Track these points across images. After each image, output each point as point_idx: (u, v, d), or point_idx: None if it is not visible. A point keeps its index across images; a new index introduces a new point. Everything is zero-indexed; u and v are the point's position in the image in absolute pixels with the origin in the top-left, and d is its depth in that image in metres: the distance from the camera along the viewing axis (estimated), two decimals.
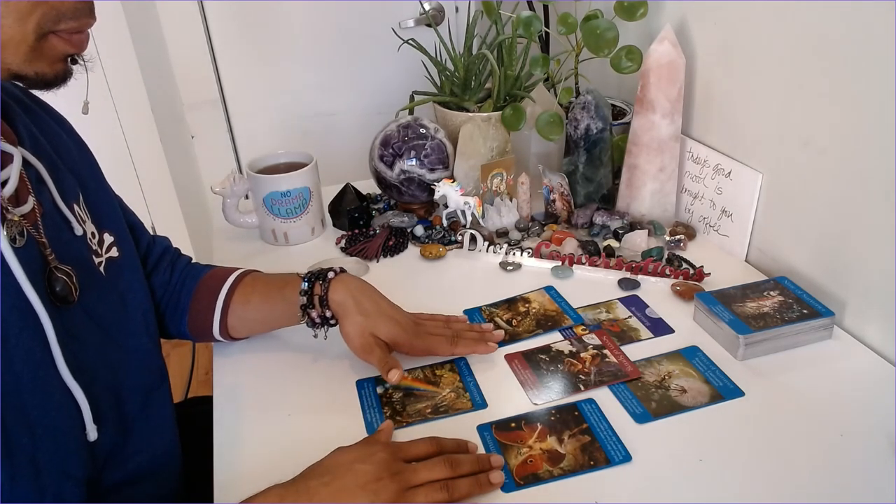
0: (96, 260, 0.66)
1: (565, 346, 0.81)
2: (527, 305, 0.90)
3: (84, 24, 0.54)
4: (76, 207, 0.65)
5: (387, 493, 0.58)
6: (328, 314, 0.76)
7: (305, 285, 0.76)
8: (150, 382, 0.70)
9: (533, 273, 0.97)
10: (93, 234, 0.67)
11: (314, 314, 0.76)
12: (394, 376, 0.72)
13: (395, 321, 0.76)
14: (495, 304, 0.90)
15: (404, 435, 0.69)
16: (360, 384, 0.77)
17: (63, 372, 0.55)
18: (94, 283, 0.64)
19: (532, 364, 0.78)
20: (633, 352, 0.80)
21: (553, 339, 0.83)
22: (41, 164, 0.61)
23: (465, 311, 0.89)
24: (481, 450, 0.67)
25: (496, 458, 0.65)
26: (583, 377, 0.76)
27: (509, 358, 0.80)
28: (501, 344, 0.82)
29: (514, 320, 0.87)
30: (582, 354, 0.79)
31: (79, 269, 0.61)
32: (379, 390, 0.76)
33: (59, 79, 0.55)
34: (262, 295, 0.81)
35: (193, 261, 0.87)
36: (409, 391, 0.76)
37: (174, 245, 0.87)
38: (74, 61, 0.56)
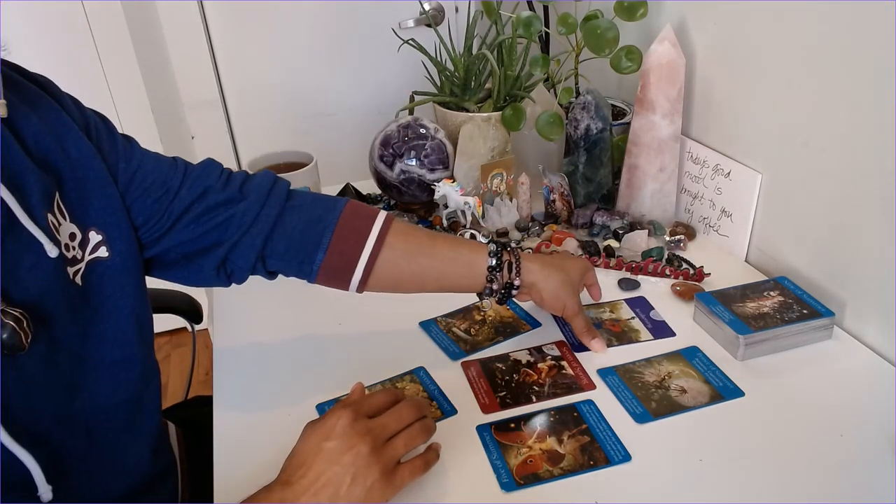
0: (72, 270, 0.58)
1: (523, 356, 0.80)
2: (482, 313, 0.89)
3: None
4: (49, 216, 0.56)
5: (363, 457, 0.55)
6: (516, 283, 0.76)
7: (493, 261, 0.75)
8: (138, 388, 0.65)
9: None
10: (72, 235, 0.58)
11: (495, 286, 0.76)
12: (598, 346, 0.79)
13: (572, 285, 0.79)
14: (450, 315, 0.89)
15: None
16: (321, 408, 0.74)
17: (3, 438, 0.51)
18: (67, 305, 0.57)
19: (487, 373, 0.78)
20: (633, 352, 0.80)
21: (513, 346, 0.82)
22: None
23: (421, 324, 0.87)
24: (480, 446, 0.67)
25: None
26: (536, 388, 0.75)
27: (465, 365, 0.79)
28: (462, 354, 0.81)
29: (472, 329, 0.86)
30: (539, 365, 0.78)
31: (45, 297, 0.55)
32: None
33: None
34: (434, 255, 0.76)
35: (279, 183, 0.74)
36: None
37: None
38: None
